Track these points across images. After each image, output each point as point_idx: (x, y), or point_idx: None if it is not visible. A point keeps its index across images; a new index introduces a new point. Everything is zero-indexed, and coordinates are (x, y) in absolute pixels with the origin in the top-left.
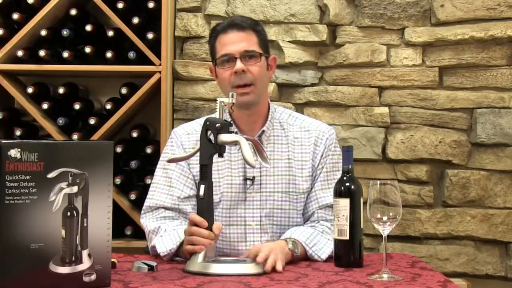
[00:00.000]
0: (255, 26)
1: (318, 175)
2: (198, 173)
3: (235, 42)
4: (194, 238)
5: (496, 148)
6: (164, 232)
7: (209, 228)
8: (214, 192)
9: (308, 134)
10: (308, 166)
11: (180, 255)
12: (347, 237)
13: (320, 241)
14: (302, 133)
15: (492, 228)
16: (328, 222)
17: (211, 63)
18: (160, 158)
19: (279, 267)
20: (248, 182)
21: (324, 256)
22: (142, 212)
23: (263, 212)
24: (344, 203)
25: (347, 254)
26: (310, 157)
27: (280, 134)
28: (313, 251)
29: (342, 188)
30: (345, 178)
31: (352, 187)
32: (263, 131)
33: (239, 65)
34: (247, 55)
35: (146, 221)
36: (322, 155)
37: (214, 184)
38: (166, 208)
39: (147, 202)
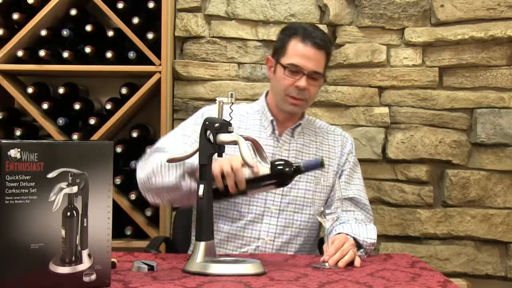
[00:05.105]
0: (329, 48)
1: (343, 171)
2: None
3: (308, 58)
4: (231, 176)
5: (496, 148)
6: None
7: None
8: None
9: (334, 136)
10: (335, 162)
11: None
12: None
13: (361, 228)
14: (329, 134)
15: (492, 228)
16: (347, 212)
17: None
18: (180, 125)
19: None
20: None
21: (374, 236)
22: (147, 152)
23: (285, 198)
24: None
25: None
26: (337, 155)
27: (309, 131)
28: (363, 238)
29: None
30: None
31: None
32: (300, 124)
33: (303, 83)
34: (313, 75)
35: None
36: (348, 155)
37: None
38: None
39: (156, 145)
